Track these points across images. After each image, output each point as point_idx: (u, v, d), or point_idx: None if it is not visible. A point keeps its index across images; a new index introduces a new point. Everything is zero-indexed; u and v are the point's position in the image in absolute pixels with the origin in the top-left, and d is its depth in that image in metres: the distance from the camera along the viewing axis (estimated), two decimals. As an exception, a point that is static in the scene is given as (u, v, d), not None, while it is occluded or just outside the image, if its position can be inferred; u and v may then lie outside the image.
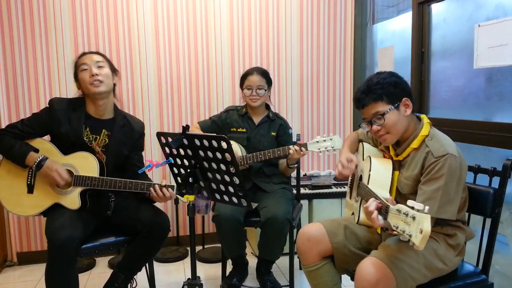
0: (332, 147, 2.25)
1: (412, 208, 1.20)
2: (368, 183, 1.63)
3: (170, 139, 1.62)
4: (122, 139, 2.10)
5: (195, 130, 2.52)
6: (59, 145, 2.02)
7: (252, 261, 2.56)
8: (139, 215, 2.02)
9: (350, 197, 1.96)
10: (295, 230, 2.36)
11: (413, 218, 1.17)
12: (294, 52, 3.38)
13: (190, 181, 1.64)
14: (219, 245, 2.36)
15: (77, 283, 1.89)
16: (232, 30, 3.24)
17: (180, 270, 2.93)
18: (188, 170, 1.67)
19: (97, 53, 2.09)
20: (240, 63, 3.28)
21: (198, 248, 3.20)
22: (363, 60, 3.49)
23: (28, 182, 2.00)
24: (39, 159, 1.94)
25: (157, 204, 2.08)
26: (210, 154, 1.58)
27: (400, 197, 1.65)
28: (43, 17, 2.92)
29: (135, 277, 2.15)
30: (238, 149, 2.43)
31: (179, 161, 1.71)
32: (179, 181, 1.78)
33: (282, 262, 2.85)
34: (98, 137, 2.06)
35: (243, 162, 2.35)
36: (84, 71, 2.00)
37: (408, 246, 1.24)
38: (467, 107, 2.39)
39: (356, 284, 1.50)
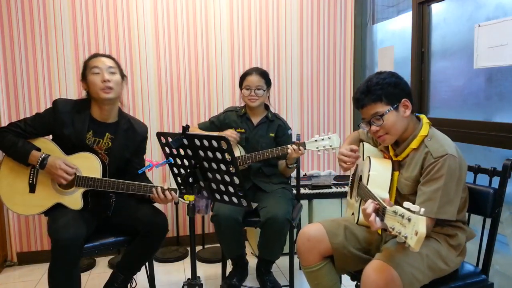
0: (331, 146, 2.24)
1: (408, 209, 1.20)
2: (367, 184, 1.63)
3: (170, 139, 1.62)
4: (125, 143, 2.10)
5: (194, 132, 2.52)
6: (61, 146, 2.02)
7: (252, 261, 2.56)
8: (138, 215, 2.02)
9: (351, 197, 1.96)
10: (295, 230, 2.36)
11: (409, 220, 1.17)
12: (294, 52, 3.38)
13: (190, 181, 1.64)
14: (219, 245, 2.37)
15: (80, 282, 1.89)
16: (232, 30, 3.24)
17: (180, 270, 2.93)
18: (188, 170, 1.67)
19: (110, 57, 2.07)
20: (240, 63, 3.28)
21: (198, 248, 3.20)
22: (363, 60, 3.49)
23: (30, 182, 2.00)
24: (41, 158, 1.93)
25: (157, 204, 2.09)
26: (210, 154, 1.58)
27: (400, 197, 1.65)
28: (43, 17, 2.93)
29: (134, 277, 2.15)
30: (237, 149, 2.43)
31: (179, 161, 1.71)
32: (179, 181, 1.78)
33: (282, 262, 2.85)
34: (101, 140, 2.06)
35: (242, 162, 2.35)
36: (95, 75, 1.99)
37: None
38: (467, 107, 2.39)
39: None
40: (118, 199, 2.11)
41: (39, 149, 1.98)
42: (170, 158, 1.71)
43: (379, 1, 3.39)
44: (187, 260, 3.06)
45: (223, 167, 1.58)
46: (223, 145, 1.52)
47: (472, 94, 2.33)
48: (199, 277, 1.73)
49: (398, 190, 1.66)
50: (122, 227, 2.06)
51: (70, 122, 2.00)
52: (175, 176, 1.78)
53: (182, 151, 1.67)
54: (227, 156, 1.54)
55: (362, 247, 1.74)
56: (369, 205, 1.39)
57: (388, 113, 1.59)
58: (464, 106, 2.41)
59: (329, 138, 2.25)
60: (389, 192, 1.65)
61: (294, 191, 2.57)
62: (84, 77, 2.04)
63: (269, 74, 2.53)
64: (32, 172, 2.00)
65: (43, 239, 3.07)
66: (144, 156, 2.25)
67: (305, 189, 3.02)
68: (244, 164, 2.37)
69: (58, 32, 2.96)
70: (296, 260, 2.53)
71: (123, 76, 2.09)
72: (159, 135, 1.68)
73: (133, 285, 2.19)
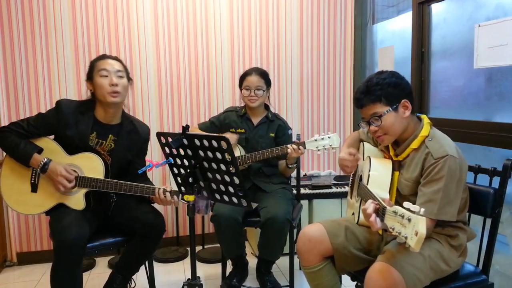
0: (331, 145, 2.24)
1: (408, 210, 1.19)
2: (367, 184, 1.63)
3: (170, 139, 1.62)
4: (128, 144, 2.10)
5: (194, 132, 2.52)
6: (63, 146, 2.01)
7: (252, 261, 2.56)
8: (137, 215, 2.02)
9: (351, 197, 1.95)
10: (295, 230, 2.36)
11: (409, 220, 1.17)
12: (294, 52, 3.38)
13: (190, 181, 1.64)
14: (219, 245, 2.36)
15: (82, 282, 1.90)
16: (232, 30, 3.24)
17: (180, 270, 2.93)
18: (188, 170, 1.67)
19: (117, 59, 2.06)
20: (240, 63, 3.28)
21: (198, 248, 3.20)
22: (363, 60, 3.49)
23: (32, 181, 2.00)
24: (42, 163, 1.92)
25: (157, 205, 2.08)
26: (210, 154, 1.58)
27: (401, 198, 1.65)
28: (43, 17, 2.92)
29: (133, 277, 2.15)
30: (237, 149, 2.43)
31: (179, 161, 1.71)
32: (179, 181, 1.78)
33: (282, 262, 2.85)
34: (104, 142, 2.06)
35: (242, 162, 2.34)
36: (103, 78, 1.98)
37: None
38: (467, 107, 2.38)
39: None
40: (118, 199, 2.11)
41: (41, 150, 1.97)
42: (170, 158, 1.71)
43: (379, 1, 3.39)
44: (187, 260, 3.06)
45: (223, 167, 1.57)
46: (223, 145, 1.51)
47: (472, 94, 2.33)
48: (199, 277, 1.73)
49: (399, 190, 1.66)
50: (121, 227, 2.06)
51: (74, 124, 1.99)
52: (175, 176, 1.78)
53: (182, 151, 1.67)
54: (227, 156, 1.54)
55: (362, 247, 1.74)
56: (369, 205, 1.38)
57: (387, 113, 1.58)
58: (464, 106, 2.41)
59: (329, 137, 2.25)
60: (389, 192, 1.65)
61: (294, 191, 2.57)
62: (90, 77, 2.03)
63: (269, 74, 2.53)
64: (34, 172, 2.00)
65: (43, 239, 3.06)
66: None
67: (305, 189, 3.02)
68: (244, 164, 2.37)
69: (58, 33, 2.96)
70: (296, 260, 2.53)
71: (129, 79, 2.08)
72: (159, 135, 1.68)
73: (132, 286, 2.18)
